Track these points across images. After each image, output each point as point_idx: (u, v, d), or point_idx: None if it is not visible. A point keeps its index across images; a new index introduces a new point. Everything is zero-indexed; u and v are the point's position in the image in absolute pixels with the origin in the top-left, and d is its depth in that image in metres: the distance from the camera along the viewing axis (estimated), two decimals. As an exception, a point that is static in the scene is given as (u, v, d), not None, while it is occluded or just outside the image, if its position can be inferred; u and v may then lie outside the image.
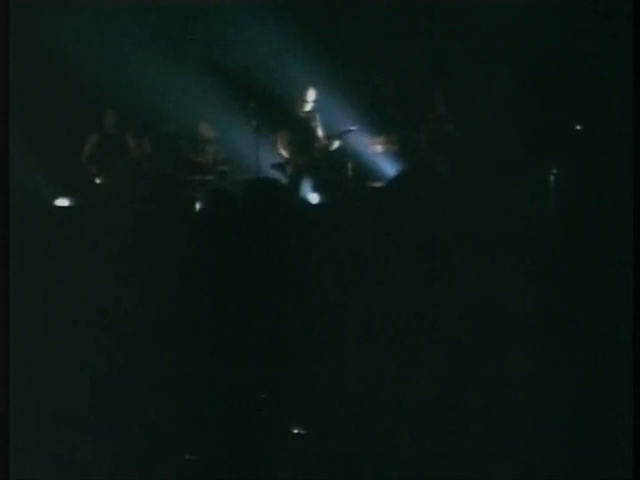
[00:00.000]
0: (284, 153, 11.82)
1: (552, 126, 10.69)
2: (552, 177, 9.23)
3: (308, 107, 11.82)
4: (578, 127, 10.69)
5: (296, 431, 5.61)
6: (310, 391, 5.68)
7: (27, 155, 9.64)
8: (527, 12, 11.10)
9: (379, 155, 11.88)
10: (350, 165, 11.74)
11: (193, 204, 10.88)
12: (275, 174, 11.68)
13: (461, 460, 5.13)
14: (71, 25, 11.69)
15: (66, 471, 5.19)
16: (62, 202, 10.99)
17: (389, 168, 11.59)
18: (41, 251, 6.18)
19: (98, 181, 11.56)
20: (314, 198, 11.36)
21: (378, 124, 12.04)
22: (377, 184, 11.06)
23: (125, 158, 11.64)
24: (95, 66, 11.74)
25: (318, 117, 11.82)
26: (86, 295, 6.06)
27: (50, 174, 11.04)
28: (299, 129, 11.80)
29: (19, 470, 4.95)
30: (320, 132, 11.82)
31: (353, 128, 11.69)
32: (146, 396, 5.61)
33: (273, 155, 11.83)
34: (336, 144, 11.78)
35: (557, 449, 5.11)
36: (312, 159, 11.76)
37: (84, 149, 11.67)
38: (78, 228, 7.25)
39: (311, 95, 11.80)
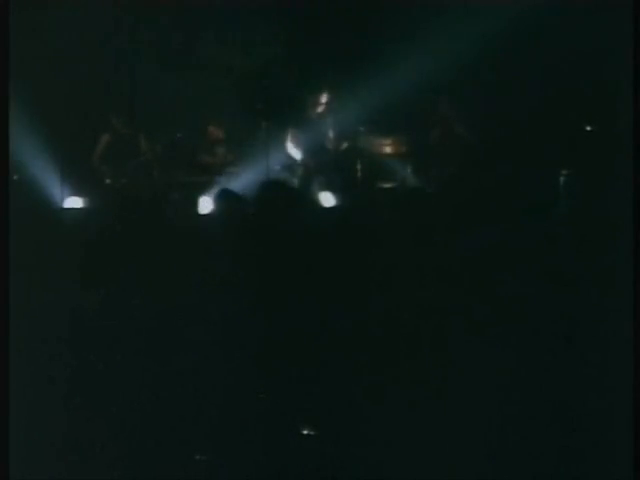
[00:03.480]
0: (294, 154, 11.84)
1: (555, 127, 10.67)
2: (555, 178, 9.23)
3: (318, 108, 11.83)
4: (580, 128, 10.68)
5: (305, 432, 5.63)
6: (316, 392, 5.70)
7: (31, 157, 9.70)
8: (530, 13, 11.07)
9: (389, 156, 11.88)
10: (360, 166, 11.75)
11: (203, 205, 10.96)
12: (285, 175, 11.70)
13: (462, 460, 5.14)
14: (78, 26, 11.71)
15: (66, 471, 5.22)
16: (71, 204, 11.03)
17: (399, 169, 11.59)
18: (47, 252, 6.21)
19: (107, 183, 11.58)
20: (324, 199, 11.39)
21: (388, 125, 12.03)
22: (387, 185, 11.07)
23: (135, 160, 11.66)
24: (102, 68, 11.75)
25: (328, 118, 11.83)
26: (92, 296, 6.09)
27: (59, 176, 11.07)
28: (309, 130, 11.80)
29: (19, 470, 4.98)
30: (330, 133, 11.82)
31: (363, 129, 11.70)
32: (152, 397, 5.63)
33: (283, 156, 11.84)
34: (346, 145, 11.79)
35: (558, 449, 5.12)
36: (322, 160, 11.77)
37: (93, 152, 11.69)
38: (87, 230, 7.29)
39: (321, 96, 11.81)
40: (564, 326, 5.51)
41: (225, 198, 8.64)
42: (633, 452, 4.69)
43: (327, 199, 11.33)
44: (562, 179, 9.26)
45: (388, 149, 11.92)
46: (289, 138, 11.85)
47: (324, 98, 11.79)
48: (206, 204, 10.85)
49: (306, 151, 11.79)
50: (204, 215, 10.55)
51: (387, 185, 11.16)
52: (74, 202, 11.09)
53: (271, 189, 7.06)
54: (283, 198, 6.91)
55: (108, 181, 11.58)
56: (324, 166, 11.74)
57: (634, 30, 5.30)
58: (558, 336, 5.47)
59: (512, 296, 5.66)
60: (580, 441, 5.12)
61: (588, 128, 10.61)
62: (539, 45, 11.13)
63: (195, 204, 11.06)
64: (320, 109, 11.82)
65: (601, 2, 9.80)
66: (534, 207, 6.81)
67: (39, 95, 10.84)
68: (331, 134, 11.80)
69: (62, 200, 10.96)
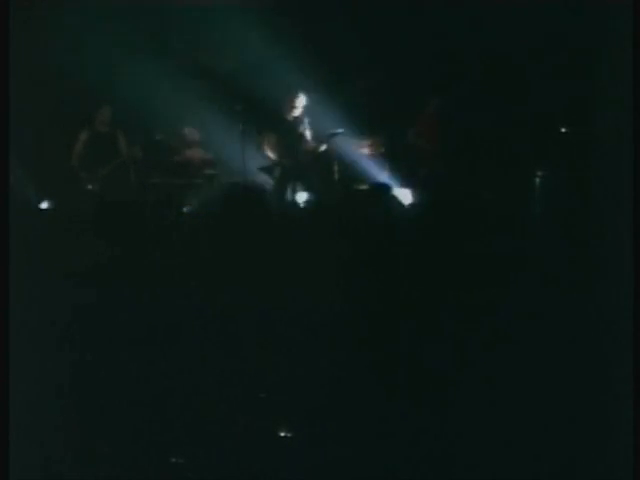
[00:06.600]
0: (271, 155, 11.82)
1: (548, 127, 10.71)
2: (548, 179, 9.25)
3: (295, 110, 11.81)
4: (577, 129, 10.70)
5: (282, 434, 5.61)
6: (297, 393, 5.69)
7: (19, 157, 9.64)
8: (522, 12, 11.09)
9: (366, 157, 11.89)
10: (337, 167, 11.76)
11: (180, 207, 10.92)
12: (262, 176, 11.70)
13: (460, 461, 5.14)
14: (52, 29, 11.67)
15: (64, 471, 5.21)
16: (48, 205, 10.98)
17: (376, 170, 11.61)
18: (25, 253, 6.17)
19: (86, 184, 11.53)
20: (301, 200, 11.40)
21: (365, 127, 12.04)
22: (363, 187, 11.08)
23: (113, 161, 11.61)
24: (80, 70, 11.69)
25: (305, 120, 11.82)
26: (73, 299, 6.06)
27: (39, 176, 11.04)
28: (286, 131, 11.79)
29: (19, 469, 4.97)
30: (307, 134, 11.81)
31: (340, 131, 11.70)
32: (151, 397, 5.61)
33: (260, 157, 11.83)
34: (323, 147, 11.78)
35: (558, 449, 5.12)
36: (299, 161, 11.76)
37: (72, 152, 11.64)
38: (66, 231, 7.26)
39: (299, 98, 11.80)
40: (564, 327, 5.52)
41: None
42: (633, 452, 4.69)
43: (303, 200, 11.35)
44: (557, 180, 9.29)
45: (365, 150, 11.94)
46: (266, 140, 11.84)
47: (301, 99, 11.78)
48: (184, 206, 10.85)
49: (283, 152, 11.78)
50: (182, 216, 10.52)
51: (363, 187, 11.15)
52: (50, 203, 11.04)
53: (248, 190, 7.07)
54: (259, 198, 6.92)
55: (84, 182, 11.54)
56: (301, 168, 11.74)
57: (634, 30, 5.32)
58: (557, 337, 5.48)
59: (510, 297, 5.66)
60: (580, 441, 5.12)
61: (587, 129, 10.60)
62: (534, 44, 11.13)
63: (172, 205, 11.02)
64: (297, 110, 11.80)
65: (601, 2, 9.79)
66: (529, 208, 6.83)
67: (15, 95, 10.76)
68: (308, 135, 11.79)
69: (39, 201, 10.93)
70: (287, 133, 11.78)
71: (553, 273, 5.90)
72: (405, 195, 10.64)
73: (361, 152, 11.92)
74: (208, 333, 5.85)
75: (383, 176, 11.41)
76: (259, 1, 11.87)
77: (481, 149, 10.76)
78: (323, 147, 11.78)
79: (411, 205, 9.90)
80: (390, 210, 7.82)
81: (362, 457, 5.30)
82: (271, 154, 11.81)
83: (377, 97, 11.83)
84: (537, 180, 9.49)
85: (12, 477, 4.88)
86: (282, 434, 5.55)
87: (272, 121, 11.87)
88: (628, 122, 5.34)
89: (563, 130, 10.82)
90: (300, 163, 11.75)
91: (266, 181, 11.62)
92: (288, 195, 11.61)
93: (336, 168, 11.77)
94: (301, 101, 11.79)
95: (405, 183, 10.99)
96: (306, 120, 11.80)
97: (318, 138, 11.79)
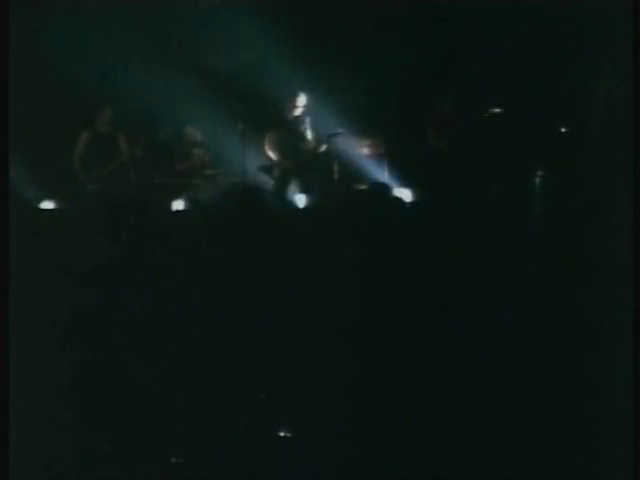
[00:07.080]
0: (272, 155, 11.82)
1: (548, 127, 10.69)
2: (548, 179, 9.23)
3: (296, 110, 11.81)
4: (577, 129, 10.68)
5: (282, 434, 5.61)
6: (297, 393, 5.69)
7: (20, 157, 9.65)
8: (523, 12, 11.08)
9: (366, 158, 11.88)
10: (337, 168, 11.75)
11: (180, 207, 10.92)
12: (262, 177, 11.70)
13: (460, 461, 5.14)
14: (52, 29, 11.67)
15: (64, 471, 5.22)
16: (49, 205, 10.96)
17: (376, 170, 11.60)
18: (25, 253, 6.17)
19: (86, 185, 11.52)
20: (301, 201, 11.39)
21: (365, 127, 12.04)
22: (364, 187, 11.06)
23: (113, 162, 11.61)
24: (80, 71, 11.69)
25: (306, 120, 11.81)
26: (73, 299, 6.06)
27: (39, 176, 11.03)
28: (287, 131, 11.79)
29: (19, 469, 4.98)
30: (308, 135, 11.81)
31: (340, 131, 11.70)
32: (143, 397, 5.61)
33: (260, 157, 11.83)
34: (324, 147, 11.78)
35: (558, 449, 5.12)
36: (299, 162, 11.76)
37: (73, 152, 11.64)
38: (65, 232, 7.25)
39: (299, 98, 11.80)
40: (563, 327, 5.52)
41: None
42: (633, 452, 4.69)
43: (303, 200, 11.34)
44: (557, 180, 9.27)
45: (365, 150, 11.93)
46: (266, 139, 11.83)
47: (302, 99, 11.78)
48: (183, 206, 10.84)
49: (283, 152, 11.77)
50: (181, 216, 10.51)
51: (364, 187, 11.14)
52: (50, 204, 11.03)
53: (248, 190, 7.06)
54: (259, 199, 6.91)
55: (85, 182, 11.53)
56: (301, 168, 11.73)
57: (634, 30, 5.31)
58: (557, 337, 5.48)
59: (510, 297, 5.66)
60: (580, 441, 5.12)
61: (587, 129, 10.58)
62: (537, 44, 11.12)
63: (172, 206, 11.02)
64: (298, 110, 11.80)
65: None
66: (534, 208, 6.83)
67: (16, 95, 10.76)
68: (308, 135, 11.79)
69: (39, 201, 10.92)
70: (287, 133, 11.78)
71: (553, 273, 5.90)
72: (405, 195, 10.62)
73: (361, 152, 11.91)
74: (208, 333, 5.85)
75: (383, 176, 11.40)
76: (259, 1, 11.87)
77: (481, 149, 10.75)
78: (323, 147, 11.77)
79: (411, 205, 9.88)
80: (390, 210, 7.81)
81: (362, 457, 5.30)
82: (271, 154, 11.80)
83: (377, 97, 11.81)
84: (537, 180, 9.48)
85: (12, 477, 4.89)
86: (282, 434, 5.55)
87: (272, 121, 11.86)
88: (628, 122, 5.35)
89: (563, 130, 10.81)
90: (300, 163, 11.75)
91: (266, 181, 11.61)
92: (288, 195, 11.60)
93: (336, 168, 11.76)
94: (301, 101, 11.79)
95: (405, 183, 10.97)
96: (306, 120, 11.80)
97: (318, 138, 11.79)
